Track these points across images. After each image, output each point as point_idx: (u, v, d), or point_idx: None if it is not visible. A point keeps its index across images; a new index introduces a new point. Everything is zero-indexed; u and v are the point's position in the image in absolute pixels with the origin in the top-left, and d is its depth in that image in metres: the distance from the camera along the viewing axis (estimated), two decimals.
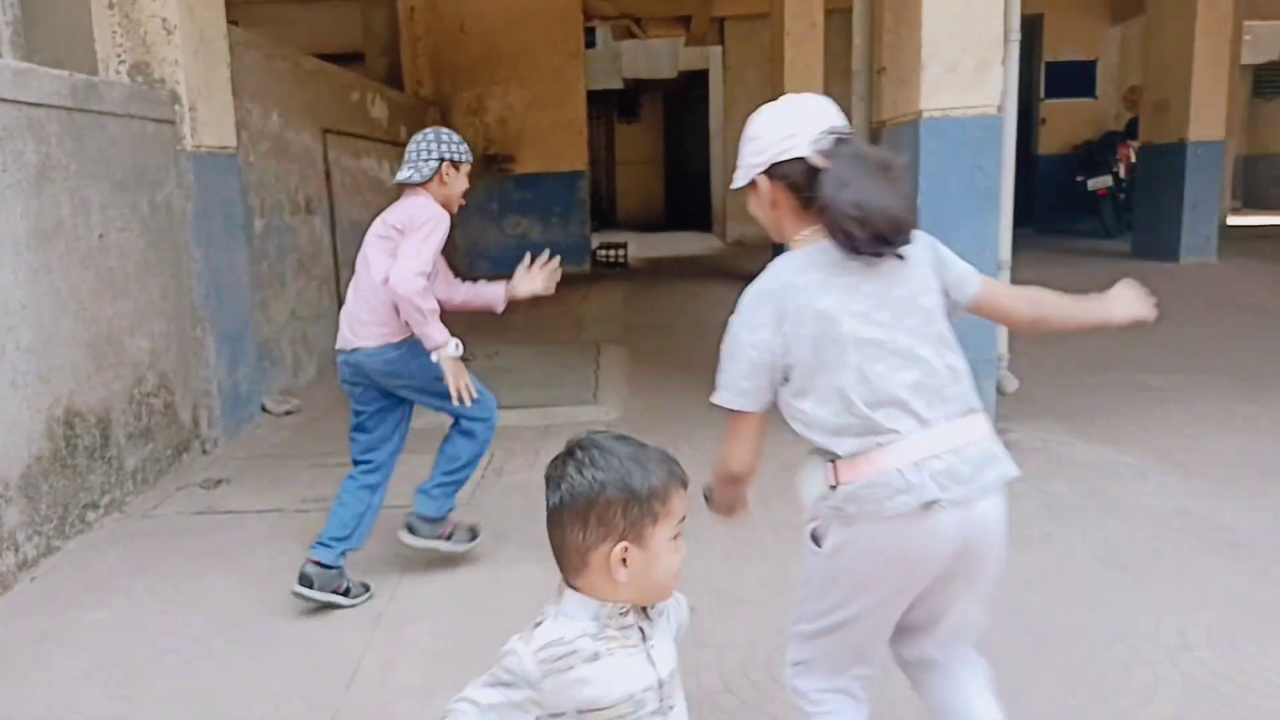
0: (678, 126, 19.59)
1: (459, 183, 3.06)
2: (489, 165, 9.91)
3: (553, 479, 1.33)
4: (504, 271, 8.72)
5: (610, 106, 19.77)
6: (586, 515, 1.29)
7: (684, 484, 1.33)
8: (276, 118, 5.49)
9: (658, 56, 16.33)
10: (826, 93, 5.82)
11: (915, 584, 1.64)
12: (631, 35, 11.81)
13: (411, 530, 3.06)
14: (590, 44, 14.97)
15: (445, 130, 3.09)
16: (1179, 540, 3.07)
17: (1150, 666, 2.39)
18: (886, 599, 1.65)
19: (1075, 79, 11.93)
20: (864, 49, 4.16)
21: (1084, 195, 11.13)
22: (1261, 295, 7.39)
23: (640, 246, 13.38)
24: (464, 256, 10.07)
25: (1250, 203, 18.37)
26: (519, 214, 10.01)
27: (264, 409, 5.00)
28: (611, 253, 10.95)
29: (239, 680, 2.49)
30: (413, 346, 2.95)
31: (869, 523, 1.56)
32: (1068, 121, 11.98)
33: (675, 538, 1.32)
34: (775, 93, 7.67)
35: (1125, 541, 3.09)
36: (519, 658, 1.31)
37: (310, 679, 2.47)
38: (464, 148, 3.05)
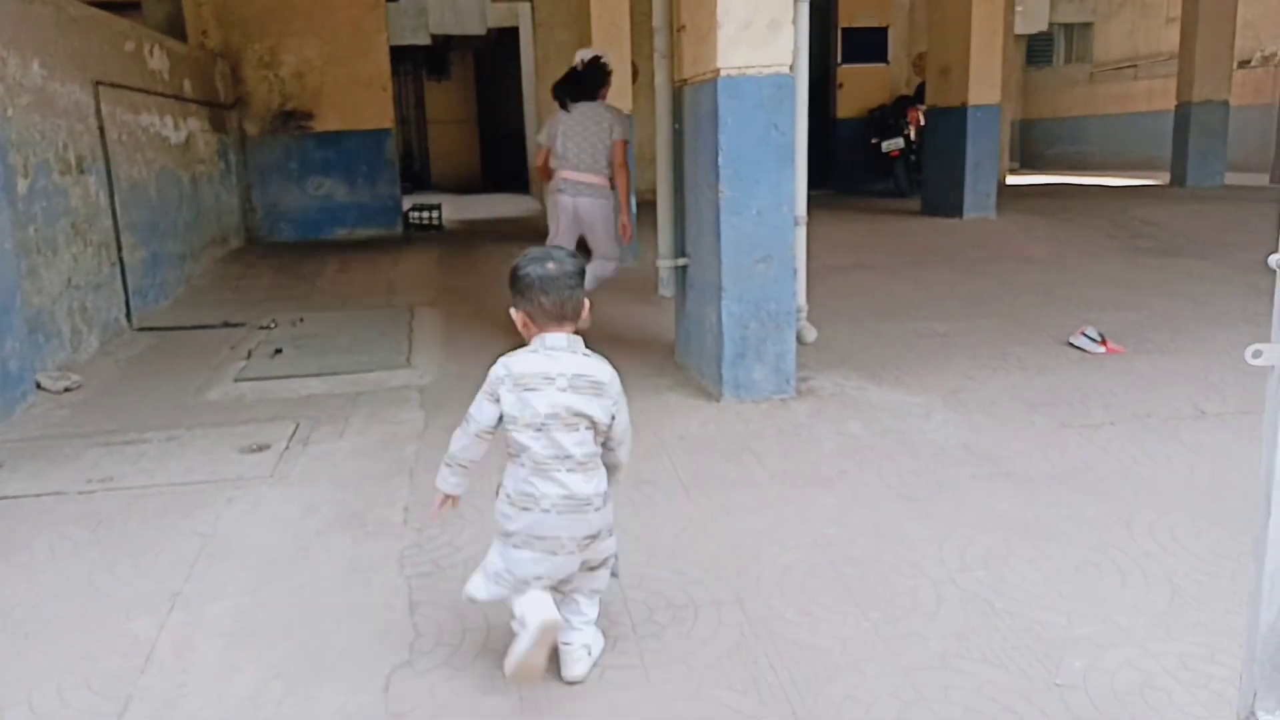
0: (491, 85, 19.19)
1: None
2: (286, 122, 9.37)
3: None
4: (308, 236, 8.70)
5: (419, 63, 19.12)
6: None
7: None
8: (38, 68, 4.96)
9: (466, 12, 15.89)
10: (634, 51, 5.86)
11: None
12: None
13: None
14: None
15: None
16: (960, 471, 3.34)
17: (935, 587, 2.59)
18: None
19: (869, 45, 12.54)
20: (664, 6, 4.20)
21: (879, 156, 11.78)
22: (1034, 247, 8.08)
23: (455, 208, 13.08)
24: (263, 219, 9.52)
25: (1026, 163, 20.03)
26: (322, 174, 9.54)
27: (39, 386, 4.57)
28: (424, 215, 10.65)
29: (16, 674, 2.29)
30: None
31: None
32: (863, 86, 12.59)
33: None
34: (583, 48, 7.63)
35: (913, 475, 3.32)
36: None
37: (99, 666, 2.31)
38: None
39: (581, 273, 2.29)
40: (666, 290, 4.65)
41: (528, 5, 12.59)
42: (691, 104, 4.15)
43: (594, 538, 2.21)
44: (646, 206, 4.80)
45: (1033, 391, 4.20)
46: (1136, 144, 17.17)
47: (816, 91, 12.64)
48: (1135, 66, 18.07)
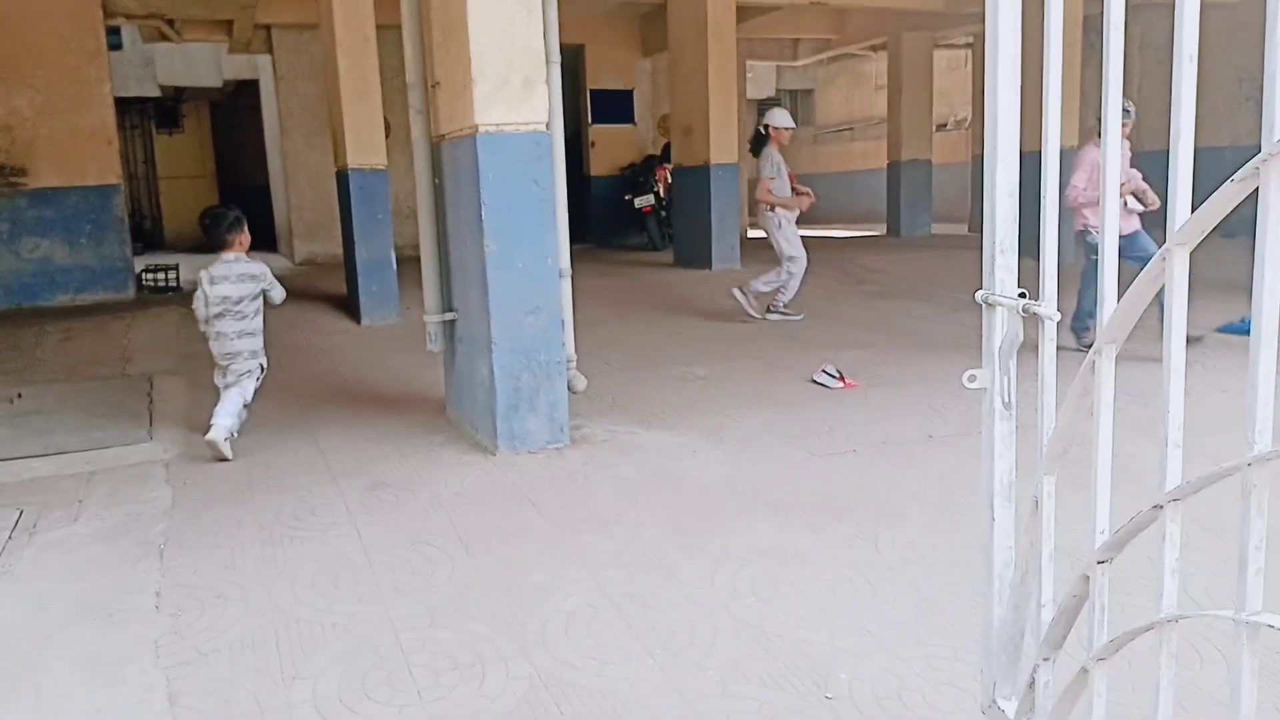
0: (230, 138, 18.20)
1: None
2: None
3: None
4: (24, 302, 8.01)
5: (147, 115, 17.81)
6: None
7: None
8: None
9: (199, 63, 15.02)
10: (386, 105, 5.77)
11: None
12: (165, 38, 10.69)
13: None
14: (115, 45, 13.35)
15: None
16: (725, 505, 3.52)
17: (710, 618, 2.71)
18: None
19: (617, 106, 13.10)
20: (416, 62, 4.21)
21: (633, 213, 12.27)
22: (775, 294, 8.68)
23: (196, 268, 12.19)
24: None
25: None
26: (38, 235, 8.60)
27: None
28: (160, 276, 9.86)
29: None
30: None
31: None
32: (614, 145, 13.11)
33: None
34: (333, 105, 7.45)
35: (683, 513, 3.47)
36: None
37: None
38: None
39: (238, 220, 4.68)
40: (434, 345, 4.59)
41: (268, 58, 12.12)
42: (451, 159, 4.17)
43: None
44: (411, 262, 4.75)
45: (785, 426, 4.51)
46: (856, 198, 18.98)
47: (571, 149, 13.09)
48: (852, 129, 20.04)
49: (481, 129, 3.78)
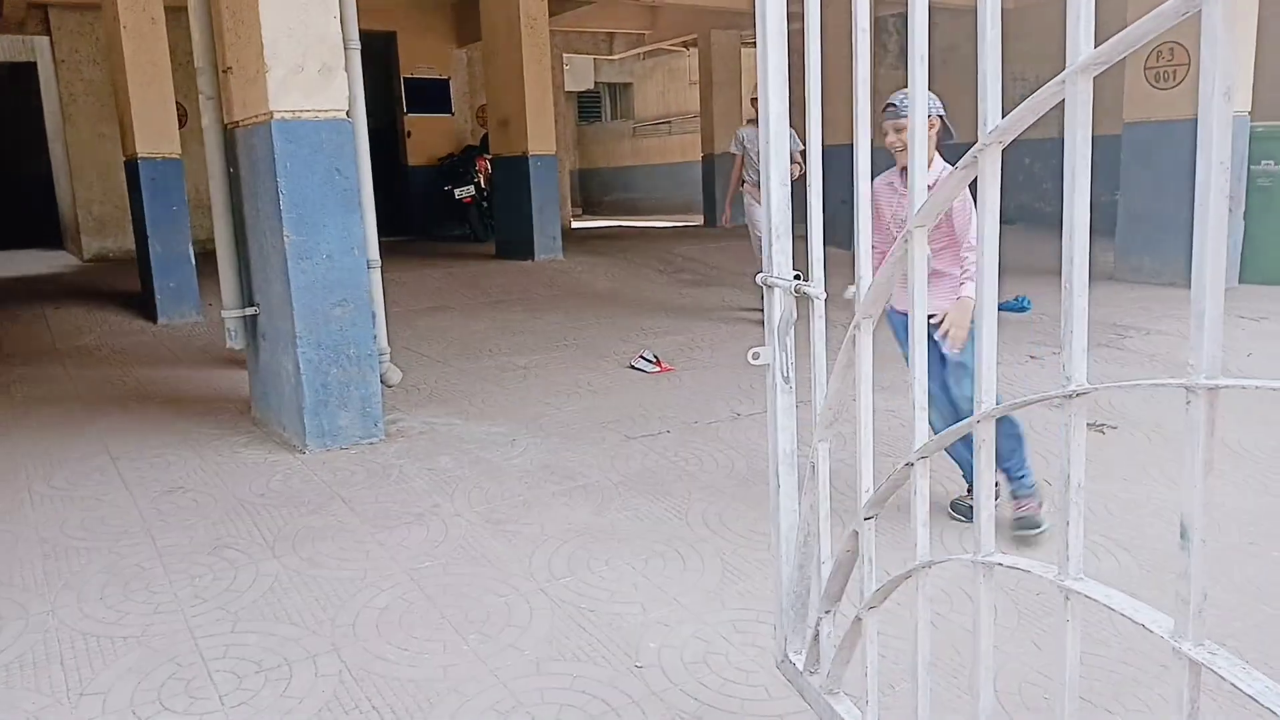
0: (3, 126, 16.57)
1: None
2: None
3: None
4: None
5: None
6: None
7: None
8: None
9: None
10: (180, 91, 5.47)
11: None
12: None
13: None
14: None
15: None
16: (542, 490, 3.57)
17: (526, 600, 2.76)
18: None
19: (433, 96, 12.84)
20: (205, 46, 4.00)
21: (453, 204, 12.08)
22: (597, 284, 8.81)
23: None
24: None
25: (588, 209, 21.67)
26: None
27: None
28: None
29: None
30: None
31: None
32: (431, 135, 12.85)
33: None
34: (119, 91, 6.96)
35: (501, 499, 3.49)
36: None
37: None
38: None
39: None
40: (235, 342, 4.39)
41: (46, 39, 11.13)
42: (246, 147, 4.00)
43: None
44: (212, 256, 4.51)
45: (602, 411, 4.61)
46: (675, 190, 19.43)
47: (385, 139, 12.76)
48: (669, 122, 20.47)
49: (277, 116, 3.64)
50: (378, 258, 4.21)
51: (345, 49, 3.81)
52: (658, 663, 2.44)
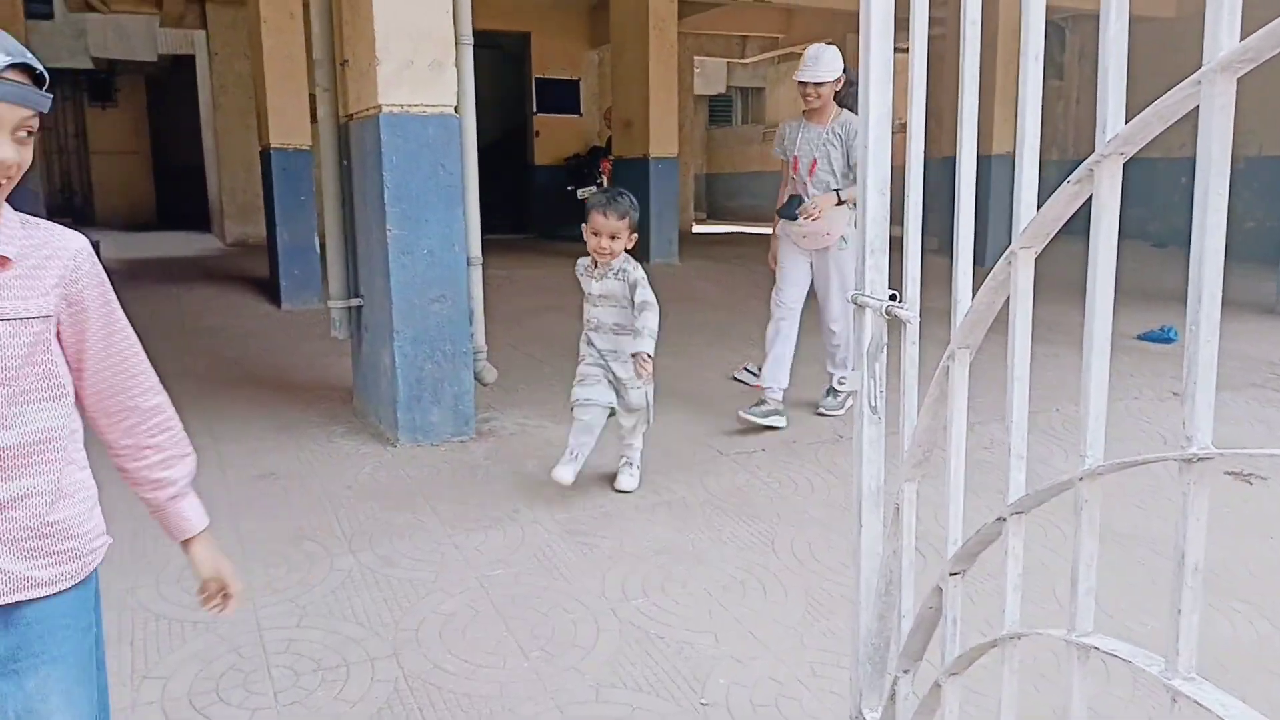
0: (165, 115, 17.66)
1: None
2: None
3: None
4: None
5: (79, 88, 17.22)
6: None
7: (606, 214, 3.32)
8: None
9: (133, 36, 14.53)
10: (311, 85, 5.48)
11: None
12: (91, 8, 10.32)
13: None
14: (45, 14, 12.89)
15: None
16: (624, 502, 3.45)
17: (595, 619, 2.64)
18: None
19: (562, 96, 12.95)
20: (324, 38, 4.06)
21: (576, 203, 12.15)
22: (710, 290, 8.65)
23: (121, 247, 11.83)
24: None
25: (712, 214, 21.52)
26: None
27: None
28: None
29: None
30: None
31: None
32: (558, 135, 12.96)
33: (594, 233, 3.32)
34: (258, 83, 7.23)
35: (582, 509, 3.39)
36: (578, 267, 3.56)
37: None
38: None
39: None
40: (339, 332, 4.45)
41: (203, 33, 11.77)
42: (357, 140, 4.04)
43: None
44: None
45: (697, 424, 4.45)
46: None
47: (514, 138, 12.94)
48: None
49: (385, 109, 3.65)
50: (479, 255, 4.18)
51: (457, 44, 3.79)
52: (725, 702, 2.28)
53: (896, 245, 1.61)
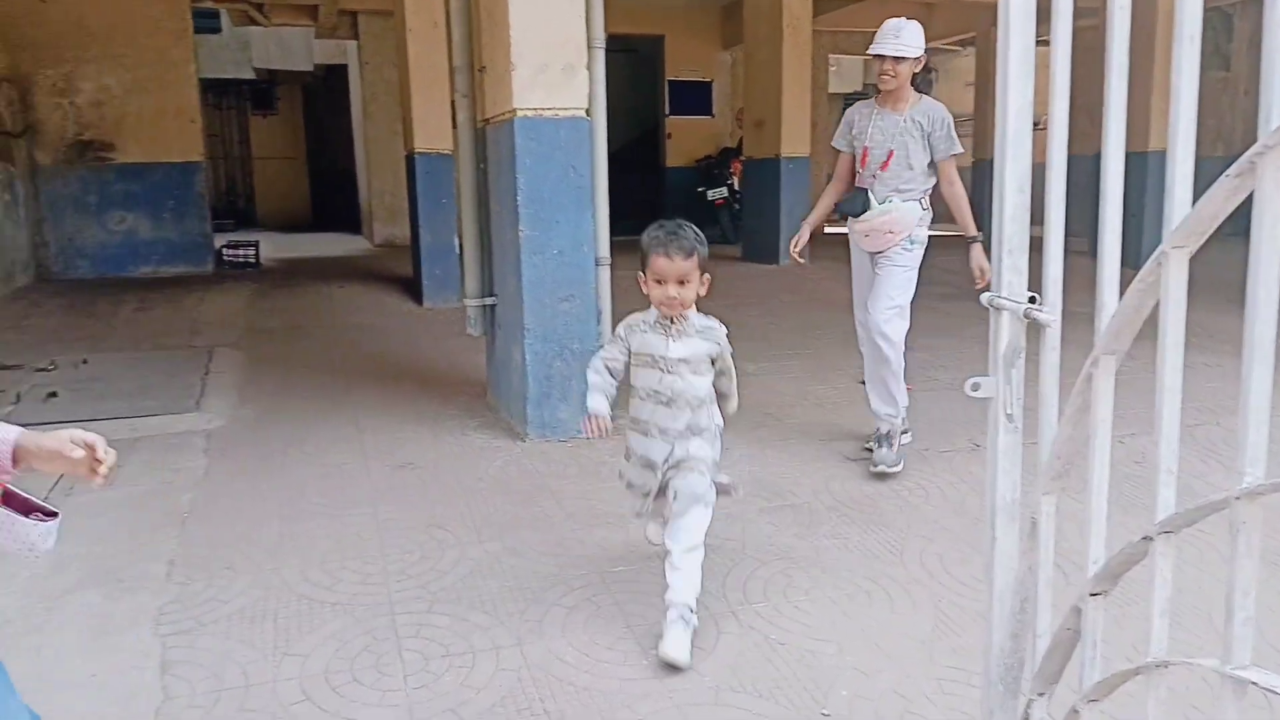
0: (320, 122, 18.66)
1: None
2: (83, 153, 8.78)
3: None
4: (109, 273, 7.90)
5: (242, 97, 18.39)
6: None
7: (670, 254, 2.45)
8: None
9: (291, 47, 15.42)
10: (453, 91, 5.68)
11: None
12: (254, 22, 11.01)
13: None
14: (213, 29, 13.80)
15: None
16: (748, 505, 3.41)
17: (715, 621, 2.62)
18: None
19: (694, 98, 12.97)
20: (464, 45, 4.19)
21: (706, 205, 12.15)
22: (841, 292, 8.46)
23: (280, 247, 12.57)
24: (57, 255, 8.84)
25: (843, 214, 21.07)
26: (123, 208, 8.95)
27: None
28: (240, 253, 10.17)
29: None
30: None
31: None
32: (690, 137, 12.99)
33: (658, 281, 2.47)
34: (404, 90, 7.54)
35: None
36: (618, 330, 2.63)
37: None
38: None
39: None
40: (474, 329, 4.59)
41: (354, 43, 12.36)
42: (493, 144, 4.15)
43: None
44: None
45: (825, 427, 4.37)
46: (942, 197, 18.45)
47: (646, 140, 13.04)
48: None
49: (520, 113, 3.74)
50: (607, 255, 4.23)
51: (590, 48, 3.84)
52: (847, 714, 2.22)
53: (1036, 246, 1.53)
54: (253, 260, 10.14)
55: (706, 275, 2.53)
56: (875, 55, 3.75)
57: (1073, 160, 1.65)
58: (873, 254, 3.95)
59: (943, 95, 19.55)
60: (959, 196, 3.92)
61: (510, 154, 3.81)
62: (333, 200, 17.88)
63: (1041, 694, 1.66)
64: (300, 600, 2.72)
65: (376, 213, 12.65)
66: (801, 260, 4.13)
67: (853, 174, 4.00)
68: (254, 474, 3.77)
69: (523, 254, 3.88)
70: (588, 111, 3.82)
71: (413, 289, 8.13)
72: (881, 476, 3.68)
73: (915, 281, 3.95)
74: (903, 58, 3.67)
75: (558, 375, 4.07)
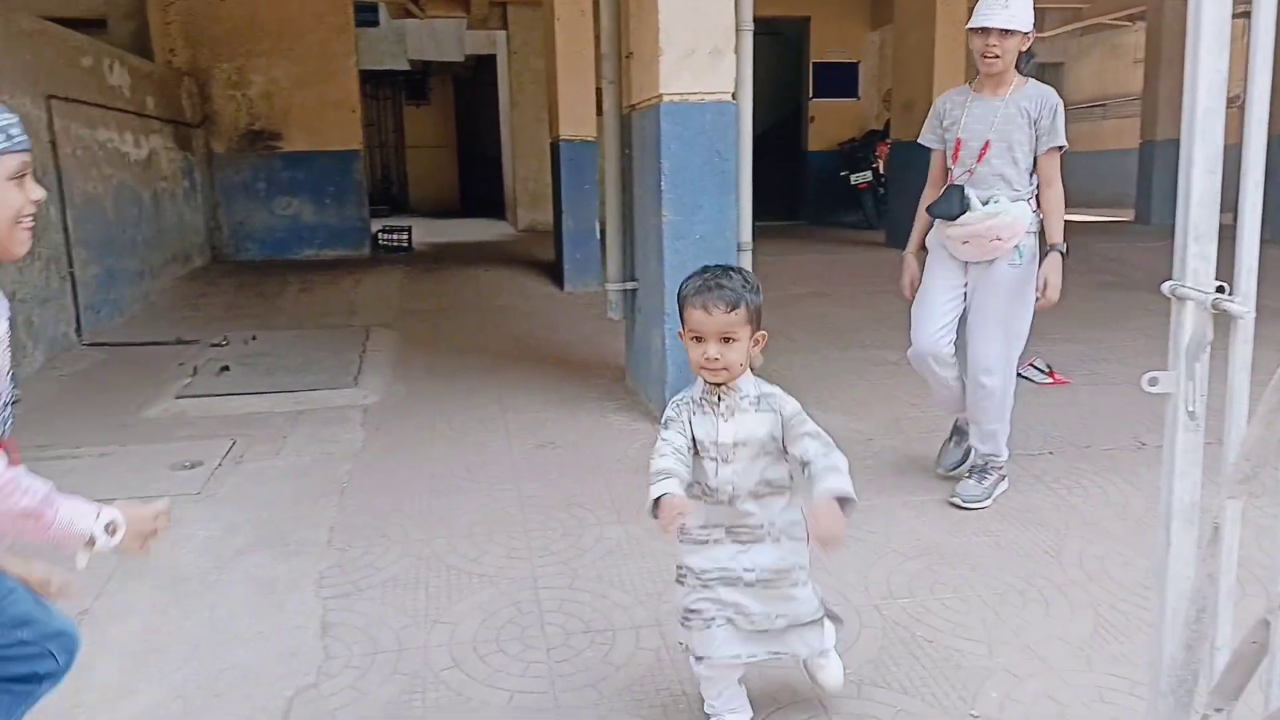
0: (469, 111, 19.25)
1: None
2: (254, 142, 9.35)
3: None
4: (275, 255, 8.41)
5: (397, 88, 19.16)
6: None
7: (709, 307, 1.90)
8: None
9: (444, 39, 15.95)
10: (598, 79, 5.75)
11: None
12: (410, 14, 11.45)
13: None
14: (372, 22, 14.41)
15: None
16: (892, 498, 3.32)
17: (857, 613, 2.57)
18: None
19: (840, 80, 12.66)
20: (612, 32, 4.23)
21: (849, 189, 11.87)
22: None
23: (430, 232, 13.06)
24: (229, 238, 9.46)
25: None
26: (289, 194, 9.50)
27: None
28: (394, 237, 10.62)
29: None
30: None
31: None
32: (834, 120, 12.70)
33: (695, 339, 1.93)
34: (550, 78, 7.67)
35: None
36: (668, 409, 2.02)
37: None
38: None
39: None
40: (615, 313, 4.64)
41: (504, 34, 12.67)
42: (638, 130, 4.17)
43: None
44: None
45: None
46: (1104, 181, 17.42)
47: (789, 124, 12.84)
48: (1104, 105, 18.38)
49: (666, 98, 3.74)
50: (749, 240, 4.19)
51: (738, 31, 3.80)
52: (997, 716, 2.14)
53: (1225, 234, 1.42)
54: (406, 244, 10.56)
55: (761, 333, 1.98)
56: (978, 29, 3.10)
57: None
58: (975, 267, 3.25)
59: (1108, 73, 18.35)
60: (1056, 198, 3.23)
61: (655, 139, 3.82)
62: (479, 187, 18.44)
63: (1220, 709, 1.55)
64: (449, 571, 2.82)
65: (520, 198, 12.96)
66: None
67: (945, 175, 3.39)
68: (406, 448, 3.93)
69: (665, 239, 3.89)
70: (734, 95, 3.79)
71: (554, 273, 8.29)
72: (958, 509, 3.19)
73: (1032, 305, 3.27)
74: (1012, 31, 3.06)
75: None
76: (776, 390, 2.03)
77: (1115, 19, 13.95)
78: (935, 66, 8.66)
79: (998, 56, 3.09)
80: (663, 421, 2.00)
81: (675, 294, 3.91)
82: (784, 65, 12.74)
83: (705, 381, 1.96)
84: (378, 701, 2.20)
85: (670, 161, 3.79)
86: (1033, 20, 3.12)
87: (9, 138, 1.45)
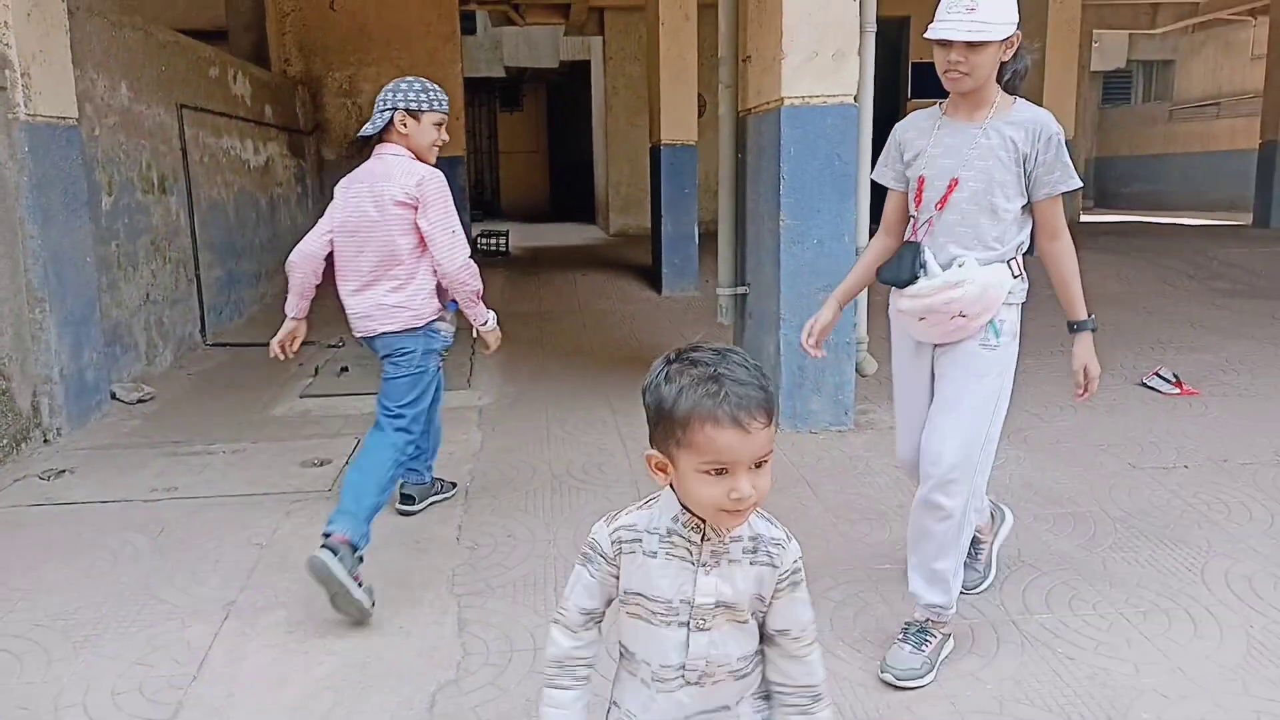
0: (561, 117, 19.51)
1: (423, 133, 2.95)
2: (361, 149, 9.61)
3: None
4: None
5: (492, 95, 19.52)
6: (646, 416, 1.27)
7: (741, 419, 1.15)
8: (126, 90, 5.19)
9: (539, 45, 16.20)
10: (701, 84, 5.80)
11: None
12: (510, 22, 11.65)
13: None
14: (470, 30, 14.73)
15: (407, 80, 2.95)
16: (1021, 511, 3.23)
17: (993, 628, 2.51)
18: None
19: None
20: (729, 36, 4.22)
21: None
22: (1106, 285, 7.87)
23: (523, 236, 13.26)
24: None
25: (1101, 201, 19.56)
26: None
27: (114, 396, 4.73)
28: (492, 241, 10.82)
29: (73, 675, 2.34)
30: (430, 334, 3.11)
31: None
32: None
33: (716, 471, 1.17)
34: (652, 83, 7.71)
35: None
36: (597, 536, 1.35)
37: (152, 672, 2.35)
38: (426, 96, 2.91)
39: None
40: (725, 318, 4.63)
41: (599, 40, 12.79)
42: (755, 134, 4.16)
43: None
44: (713, 237, 4.82)
45: (1100, 432, 4.07)
46: (1217, 184, 16.68)
47: (885, 126, 12.63)
48: (1218, 104, 17.60)
49: (787, 102, 3.72)
50: (865, 244, 4.13)
51: (861, 32, 3.76)
52: None
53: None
54: (504, 248, 10.74)
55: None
56: (936, 41, 2.28)
57: None
58: (940, 349, 2.42)
59: (1222, 70, 17.61)
60: (1067, 257, 2.51)
61: (774, 143, 3.80)
62: (569, 191, 18.65)
63: None
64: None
65: (612, 203, 13.05)
66: (820, 354, 2.71)
67: (904, 221, 2.50)
68: (523, 450, 4.00)
69: (782, 243, 3.87)
70: (855, 97, 3.74)
71: (651, 277, 8.32)
72: (890, 687, 2.25)
73: (1008, 399, 2.47)
74: (982, 43, 2.19)
75: (810, 366, 4.03)
76: (781, 533, 1.34)
77: (1233, 14, 13.35)
78: (1046, 65, 8.43)
79: (965, 74, 2.24)
80: (584, 550, 1.36)
81: (790, 299, 3.91)
82: (883, 66, 12.55)
83: (690, 514, 1.26)
84: (518, 700, 2.23)
85: (789, 165, 3.76)
86: (1016, 19, 2.24)
87: (440, 102, 2.95)
